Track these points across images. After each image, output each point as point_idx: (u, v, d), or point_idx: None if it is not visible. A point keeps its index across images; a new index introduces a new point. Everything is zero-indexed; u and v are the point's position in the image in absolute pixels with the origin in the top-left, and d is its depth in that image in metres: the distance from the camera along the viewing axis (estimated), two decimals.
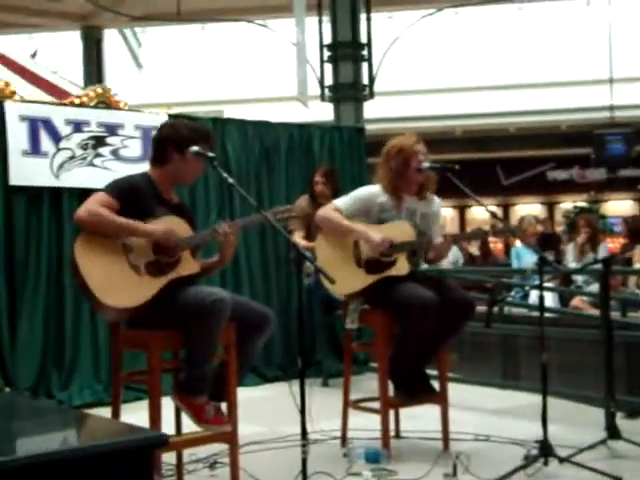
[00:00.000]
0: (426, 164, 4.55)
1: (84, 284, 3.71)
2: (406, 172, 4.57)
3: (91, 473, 1.97)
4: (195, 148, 3.88)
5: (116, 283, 3.74)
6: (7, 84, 6.33)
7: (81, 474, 1.96)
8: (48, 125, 6.21)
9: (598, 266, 4.96)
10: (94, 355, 6.34)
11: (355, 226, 4.54)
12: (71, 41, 17.00)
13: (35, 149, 6.15)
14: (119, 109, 6.73)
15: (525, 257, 8.45)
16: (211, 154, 3.92)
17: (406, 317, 4.34)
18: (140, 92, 15.76)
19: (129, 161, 6.38)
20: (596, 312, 5.84)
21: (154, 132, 4.17)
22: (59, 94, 6.85)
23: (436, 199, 4.78)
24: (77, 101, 6.59)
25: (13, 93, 6.31)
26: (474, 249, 10.47)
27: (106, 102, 6.70)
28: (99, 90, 6.75)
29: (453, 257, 9.41)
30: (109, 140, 6.45)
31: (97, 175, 6.17)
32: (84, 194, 5.05)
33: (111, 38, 17.59)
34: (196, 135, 3.94)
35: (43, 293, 6.19)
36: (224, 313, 3.72)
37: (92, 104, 6.60)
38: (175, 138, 3.92)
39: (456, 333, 4.62)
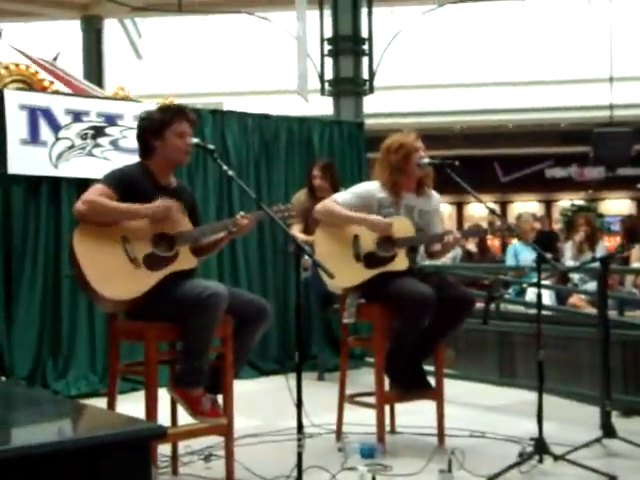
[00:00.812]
0: (426, 160, 4.55)
1: (82, 276, 3.71)
2: (406, 167, 4.57)
3: (90, 464, 1.97)
4: (195, 140, 3.95)
5: (114, 275, 3.73)
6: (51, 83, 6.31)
7: (80, 465, 1.96)
8: (47, 114, 6.19)
9: (596, 265, 4.95)
10: (90, 345, 6.33)
11: (358, 214, 4.54)
12: (71, 31, 16.95)
13: (34, 138, 6.13)
14: (44, 90, 6.50)
15: (523, 254, 8.44)
16: (211, 146, 4.00)
17: (405, 312, 4.34)
18: (140, 83, 15.71)
19: (128, 152, 6.34)
20: (593, 311, 5.84)
21: None
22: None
23: (435, 194, 4.78)
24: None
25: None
26: (471, 246, 10.48)
27: (27, 82, 6.45)
28: (12, 67, 6.36)
29: (453, 253, 9.40)
30: (108, 130, 6.44)
31: (96, 165, 6.16)
32: (83, 184, 5.05)
33: (111, 28, 17.53)
34: (168, 114, 3.96)
35: (40, 282, 6.18)
36: (220, 307, 3.72)
37: (8, 80, 6.33)
38: (150, 126, 3.95)
39: (454, 329, 4.61)
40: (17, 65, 6.45)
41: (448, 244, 4.57)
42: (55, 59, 7.83)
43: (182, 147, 3.95)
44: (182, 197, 4.04)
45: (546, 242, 8.84)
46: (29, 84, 6.42)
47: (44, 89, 6.53)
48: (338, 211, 4.57)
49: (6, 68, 6.41)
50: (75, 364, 6.24)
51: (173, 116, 3.94)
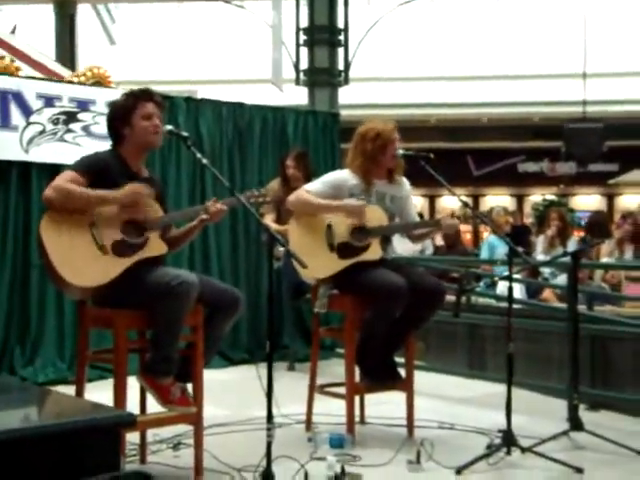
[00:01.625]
0: (400, 151, 4.55)
1: (49, 262, 3.66)
2: (381, 157, 4.57)
3: (59, 451, 1.95)
4: (169, 127, 3.93)
5: (81, 262, 3.69)
6: (12, 61, 6.35)
7: (49, 452, 1.94)
8: (19, 98, 6.11)
9: (567, 259, 4.98)
10: (59, 332, 6.28)
11: (332, 202, 4.53)
12: (44, 15, 16.77)
13: (5, 122, 6.05)
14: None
15: (499, 248, 8.46)
16: (185, 134, 3.98)
17: (377, 302, 4.34)
18: (113, 69, 15.58)
19: (100, 138, 6.27)
20: (563, 305, 5.87)
21: None
22: (47, 73, 6.79)
23: (405, 181, 4.80)
24: (75, 80, 6.58)
25: (18, 69, 6.35)
26: (439, 238, 10.44)
27: (100, 82, 6.67)
28: (95, 70, 6.74)
29: (422, 245, 9.40)
30: (80, 116, 6.38)
31: (67, 151, 6.10)
32: (54, 170, 4.99)
33: (84, 13, 17.38)
34: (132, 99, 3.94)
35: (9, 268, 6.12)
36: (191, 296, 3.69)
37: (92, 81, 6.58)
38: (117, 113, 3.93)
39: (425, 320, 4.62)
40: (98, 68, 6.78)
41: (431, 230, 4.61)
42: (13, 32, 7.77)
43: (150, 128, 3.91)
44: (152, 186, 4.00)
45: (520, 236, 8.89)
46: (101, 83, 6.68)
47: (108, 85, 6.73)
48: (311, 200, 4.55)
49: (90, 70, 6.71)
50: (43, 351, 6.19)
51: (137, 100, 3.92)
